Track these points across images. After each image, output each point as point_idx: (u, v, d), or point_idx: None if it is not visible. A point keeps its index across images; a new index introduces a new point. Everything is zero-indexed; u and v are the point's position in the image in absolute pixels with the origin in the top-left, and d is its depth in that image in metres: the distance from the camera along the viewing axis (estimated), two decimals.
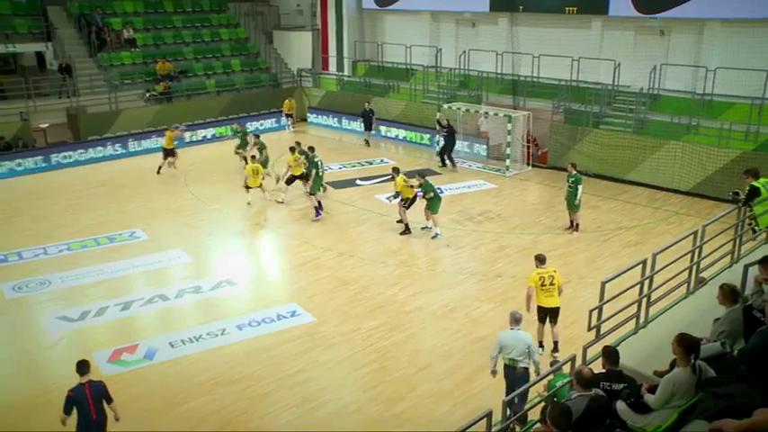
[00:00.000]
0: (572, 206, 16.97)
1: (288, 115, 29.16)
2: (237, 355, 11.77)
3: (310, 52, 32.65)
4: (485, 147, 24.39)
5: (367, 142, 26.54)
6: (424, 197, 16.90)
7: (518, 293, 13.61)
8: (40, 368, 11.72)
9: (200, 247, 16.75)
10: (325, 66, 32.47)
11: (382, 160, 24.39)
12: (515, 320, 9.53)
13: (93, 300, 13.81)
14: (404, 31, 29.65)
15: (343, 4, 31.00)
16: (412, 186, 17.08)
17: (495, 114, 23.37)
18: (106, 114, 26.10)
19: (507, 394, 8.86)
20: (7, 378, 11.45)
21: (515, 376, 9.31)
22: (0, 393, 10.96)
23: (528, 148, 23.15)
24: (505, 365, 9.48)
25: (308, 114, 30.95)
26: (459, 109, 24.34)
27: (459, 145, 24.52)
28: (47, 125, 25.59)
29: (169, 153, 22.81)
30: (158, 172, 22.64)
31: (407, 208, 17.19)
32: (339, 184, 21.44)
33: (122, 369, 11.36)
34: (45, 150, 24.20)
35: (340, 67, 31.84)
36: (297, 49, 33.04)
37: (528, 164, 23.09)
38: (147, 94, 27.78)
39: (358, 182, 21.80)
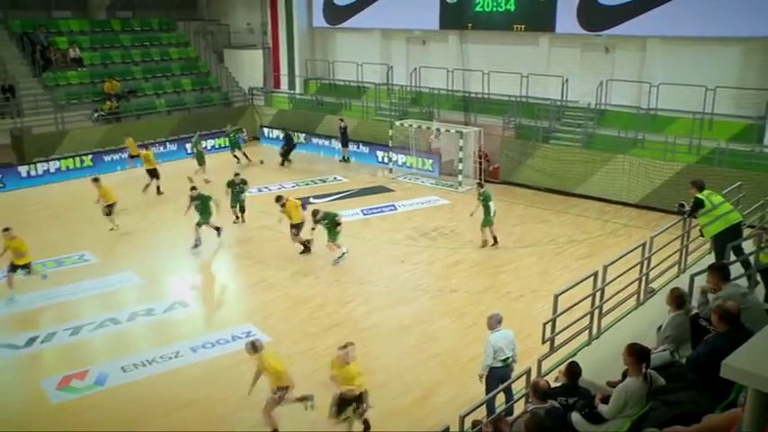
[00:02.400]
0: (489, 222, 17.16)
1: (133, 156, 24.65)
2: (193, 377, 11.55)
3: (262, 71, 32.56)
4: (437, 163, 24.61)
5: (344, 158, 26.60)
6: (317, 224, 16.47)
7: (473, 308, 13.76)
8: None
9: (152, 269, 16.43)
10: (277, 84, 32.42)
11: (335, 178, 24.39)
12: (498, 321, 9.57)
13: (41, 325, 13.41)
14: (355, 49, 29.83)
15: (294, 22, 31.05)
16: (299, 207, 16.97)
17: (447, 131, 23.63)
18: (52, 135, 25.50)
19: (487, 394, 8.87)
20: None
21: (506, 374, 9.29)
22: None
23: (480, 163, 23.45)
24: (492, 368, 9.45)
25: (260, 133, 30.77)
26: (411, 126, 24.54)
27: (412, 161, 24.78)
28: None
29: (154, 174, 22.31)
30: (158, 192, 22.46)
31: (297, 234, 16.85)
32: None
33: (72, 396, 11.04)
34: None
35: (291, 85, 31.83)
36: (248, 68, 32.90)
37: (480, 179, 23.36)
38: (95, 114, 27.26)
39: (312, 200, 21.72)
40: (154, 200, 21.98)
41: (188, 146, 25.68)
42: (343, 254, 16.36)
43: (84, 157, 25.28)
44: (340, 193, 22.36)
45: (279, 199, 17.05)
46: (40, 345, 12.72)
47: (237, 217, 19.33)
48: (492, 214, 17.04)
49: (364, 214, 20.20)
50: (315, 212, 16.33)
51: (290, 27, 31.30)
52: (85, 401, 10.91)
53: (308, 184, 23.55)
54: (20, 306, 14.32)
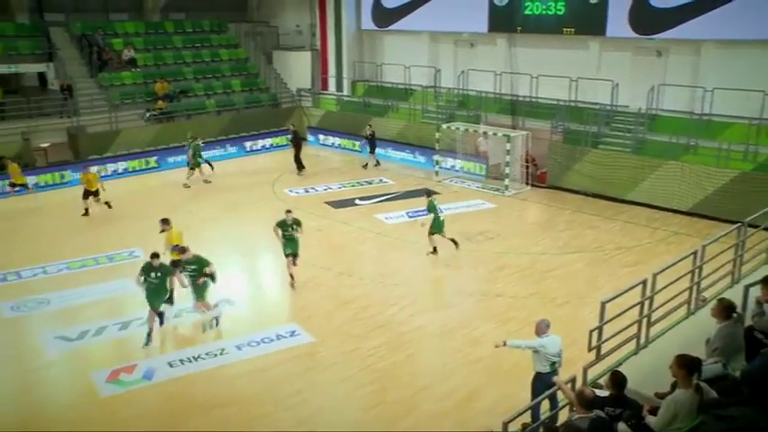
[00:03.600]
0: (438, 229, 16.93)
1: (14, 185, 22.16)
2: (236, 375, 11.70)
3: (310, 72, 32.84)
4: (484, 166, 24.45)
5: (366, 165, 26.14)
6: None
7: (518, 313, 13.63)
8: (36, 388, 11.62)
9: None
10: (325, 86, 32.66)
11: (381, 180, 24.44)
12: (546, 326, 9.44)
13: (92, 319, 13.75)
14: (403, 52, 29.86)
15: (343, 24, 31.25)
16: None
17: (494, 134, 23.46)
18: (106, 134, 26.18)
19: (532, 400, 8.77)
20: (2, 398, 11.37)
21: (550, 381, 9.17)
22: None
23: (527, 167, 23.22)
24: (539, 373, 9.33)
25: (308, 134, 31.02)
26: (457, 129, 24.44)
27: (459, 164, 24.72)
28: (48, 145, 25.64)
29: (92, 194, 20.70)
30: (86, 214, 20.61)
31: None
32: (338, 204, 21.46)
33: (121, 389, 11.29)
34: (45, 169, 24.22)
35: (339, 87, 32.03)
36: (296, 70, 33.23)
37: (527, 183, 23.14)
38: (147, 114, 27.88)
39: (357, 201, 21.82)
40: (202, 198, 22.35)
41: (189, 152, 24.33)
42: (215, 319, 13.35)
43: (148, 159, 26.00)
44: (385, 195, 22.38)
45: (165, 221, 14.84)
46: (91, 338, 13.04)
47: (293, 277, 15.29)
48: (441, 222, 16.90)
49: (409, 216, 20.18)
50: (183, 249, 13.25)
51: (339, 29, 31.52)
52: (133, 395, 11.14)
53: (353, 186, 23.65)
54: (74, 300, 14.71)
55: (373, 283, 15.56)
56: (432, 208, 16.87)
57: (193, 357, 12.22)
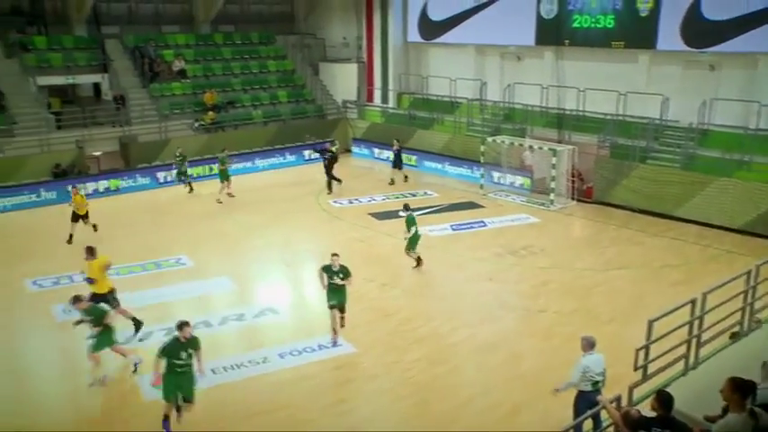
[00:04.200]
0: (413, 247, 16.82)
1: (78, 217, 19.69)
2: (279, 383, 11.79)
3: (355, 84, 33.09)
4: (529, 180, 24.25)
5: (393, 181, 25.63)
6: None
7: (561, 329, 13.44)
8: (86, 390, 11.88)
9: (244, 275, 16.94)
10: (370, 98, 32.86)
11: (426, 192, 24.42)
12: (590, 344, 9.30)
13: (144, 323, 13.99)
14: (449, 64, 29.88)
15: (389, 37, 31.45)
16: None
17: (540, 148, 23.26)
18: (156, 143, 26.80)
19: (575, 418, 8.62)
20: (53, 398, 11.68)
21: (593, 400, 9.02)
22: (44, 415, 11.16)
23: (573, 182, 22.96)
24: (582, 392, 9.19)
25: (352, 146, 31.20)
26: (503, 142, 24.31)
27: (504, 177, 24.57)
28: (100, 153, 26.34)
29: (81, 217, 19.39)
30: (69, 241, 19.01)
31: (116, 304, 13.43)
32: (382, 216, 21.51)
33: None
34: (97, 177, 24.89)
35: (385, 99, 32.19)
36: (342, 81, 33.52)
37: (572, 198, 22.86)
38: (196, 124, 28.44)
39: (401, 213, 21.79)
40: (248, 207, 22.65)
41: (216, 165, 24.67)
42: (134, 364, 12.24)
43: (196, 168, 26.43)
44: (430, 207, 22.36)
45: (90, 250, 13.54)
46: (137, 342, 13.29)
47: (335, 332, 13.19)
48: (416, 238, 16.79)
49: (453, 229, 20.13)
50: (77, 298, 11.91)
51: (385, 42, 31.73)
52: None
53: (397, 198, 23.67)
54: (123, 305, 14.98)
55: (416, 295, 15.53)
56: (411, 222, 16.73)
57: (237, 365, 12.35)
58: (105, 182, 24.70)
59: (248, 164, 27.99)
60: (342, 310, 13.23)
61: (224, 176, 23.48)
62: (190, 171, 25.05)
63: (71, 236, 19.11)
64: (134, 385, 11.77)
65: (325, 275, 13.13)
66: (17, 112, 25.45)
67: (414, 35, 31.09)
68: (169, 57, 30.19)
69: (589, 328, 12.36)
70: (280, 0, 35.90)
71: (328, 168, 24.43)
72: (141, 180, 25.44)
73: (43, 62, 27.18)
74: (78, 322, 11.90)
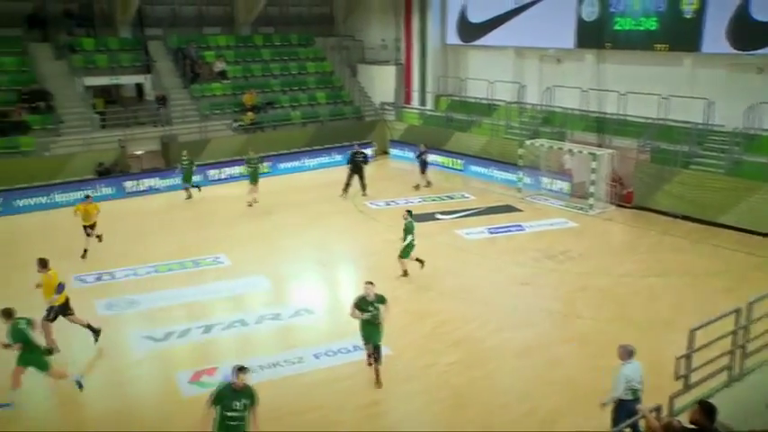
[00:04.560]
0: (407, 254, 16.51)
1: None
2: (313, 383, 11.83)
3: (393, 86, 33.10)
4: (568, 184, 23.96)
5: (418, 186, 25.24)
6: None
7: (599, 336, 13.24)
8: (125, 385, 12.10)
9: (281, 275, 17.06)
10: (408, 100, 32.84)
11: (463, 195, 24.31)
12: (629, 353, 9.12)
13: (177, 321, 14.23)
14: (487, 67, 29.72)
15: (428, 39, 31.42)
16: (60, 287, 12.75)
17: (580, 152, 22.96)
18: (196, 142, 27.15)
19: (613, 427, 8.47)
20: (94, 392, 11.88)
21: (632, 409, 8.86)
22: (85, 408, 11.39)
23: (613, 186, 22.62)
24: (621, 401, 9.01)
25: (390, 147, 31.20)
26: (542, 146, 24.07)
27: (542, 181, 24.33)
28: (142, 152, 26.80)
29: (89, 227, 18.23)
30: (84, 256, 18.10)
31: (53, 319, 12.80)
32: (419, 218, 21.43)
33: (203, 390, 11.55)
34: (138, 176, 25.32)
35: (423, 101, 32.15)
36: (380, 83, 33.55)
37: (612, 203, 22.52)
38: (235, 124, 28.75)
39: (438, 216, 21.77)
40: (286, 208, 22.81)
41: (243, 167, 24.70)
42: (77, 383, 11.54)
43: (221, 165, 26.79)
44: (466, 210, 22.25)
45: (42, 263, 12.86)
46: (175, 339, 13.49)
47: (377, 376, 11.69)
48: (410, 246, 16.45)
49: (490, 233, 20.00)
50: (7, 311, 11.05)
51: (424, 44, 31.71)
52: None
53: (434, 200, 23.63)
54: (161, 302, 15.27)
55: (452, 298, 15.46)
56: (409, 230, 16.43)
57: (272, 364, 12.44)
58: (147, 180, 25.08)
59: (287, 164, 28.27)
60: (378, 350, 11.58)
61: (253, 178, 23.32)
62: (229, 171, 25.32)
63: (86, 251, 18.07)
64: (174, 382, 11.89)
65: (357, 310, 11.60)
66: (64, 111, 26.06)
67: (452, 37, 31.00)
68: (210, 58, 30.58)
69: (627, 336, 12.17)
70: (319, 2, 36.11)
71: (361, 171, 24.42)
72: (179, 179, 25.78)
73: (90, 63, 27.77)
74: (6, 345, 10.95)
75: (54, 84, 26.65)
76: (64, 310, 12.97)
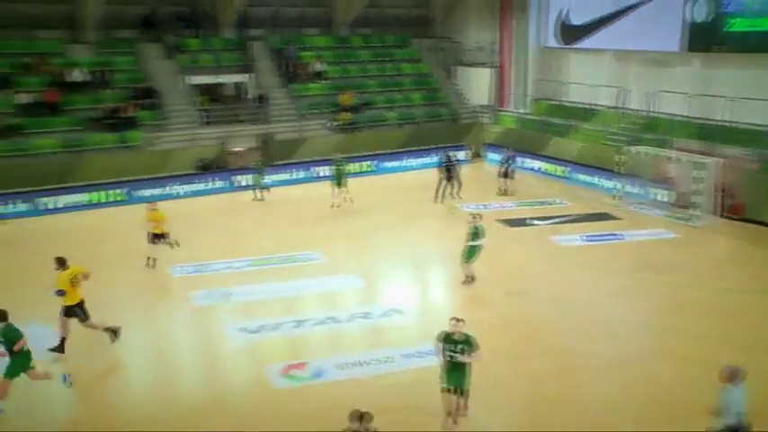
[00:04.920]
0: (471, 258, 15.79)
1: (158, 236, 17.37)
2: (401, 383, 11.81)
3: (490, 88, 32.77)
4: (670, 193, 22.96)
5: (504, 192, 24.60)
6: None
7: (701, 354, 12.57)
8: (218, 374, 12.48)
9: (374, 274, 17.18)
10: (503, 103, 32.44)
11: (558, 201, 23.76)
12: (736, 375, 8.63)
13: (271, 315, 14.53)
14: (587, 70, 28.98)
15: (525, 41, 31.01)
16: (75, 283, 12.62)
17: (684, 160, 21.96)
18: (293, 141, 27.79)
19: None
20: (187, 381, 12.35)
21: None
22: (178, 396, 11.81)
23: (720, 197, 21.50)
24: (728, 426, 8.56)
25: (486, 151, 30.80)
26: (644, 153, 23.16)
27: (643, 189, 23.42)
28: (242, 149, 27.59)
29: (161, 237, 17.25)
30: (151, 264, 17.35)
31: (70, 316, 12.74)
32: (512, 223, 21.15)
33: (292, 384, 11.82)
34: (235, 172, 26.17)
35: (520, 104, 31.68)
36: (476, 85, 33.31)
37: (719, 214, 21.42)
38: (330, 124, 29.17)
39: (531, 221, 21.35)
40: (377, 207, 22.96)
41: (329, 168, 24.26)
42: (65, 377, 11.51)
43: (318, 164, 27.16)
44: (561, 216, 21.73)
45: (60, 261, 12.71)
46: (268, 333, 13.79)
47: (454, 421, 10.12)
48: (476, 250, 15.70)
49: (586, 240, 19.42)
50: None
51: (522, 46, 31.31)
52: (302, 391, 11.60)
53: (527, 206, 23.20)
54: (255, 295, 15.69)
55: (544, 305, 15.11)
56: (479, 233, 15.74)
57: (361, 362, 12.49)
58: (245, 176, 25.77)
59: (391, 163, 28.57)
60: (463, 394, 10.15)
61: (339, 180, 22.91)
62: (319, 170, 25.82)
63: (154, 260, 17.27)
64: (264, 374, 12.15)
65: (441, 346, 10.04)
66: (170, 108, 27.26)
67: (551, 40, 30.38)
68: (309, 58, 31.20)
69: (732, 356, 11.55)
70: (417, 4, 36.20)
71: (453, 176, 24.11)
72: (278, 177, 26.40)
73: (195, 63, 28.94)
74: None
75: (162, 82, 27.91)
76: (69, 312, 12.66)
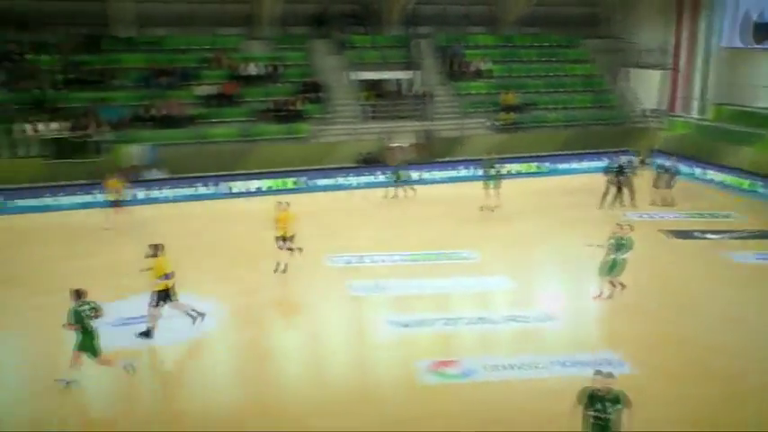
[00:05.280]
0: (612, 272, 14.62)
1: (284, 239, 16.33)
2: (549, 391, 11.44)
3: (660, 92, 31.03)
4: None
5: (669, 201, 23.02)
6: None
7: None
8: (368, 364, 12.76)
9: (527, 278, 16.89)
10: (674, 107, 30.57)
11: (730, 214, 21.99)
12: None
13: (423, 310, 14.61)
14: None
15: (704, 42, 28.94)
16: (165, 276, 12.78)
17: None
18: (454, 139, 27.87)
19: None
20: (337, 366, 12.72)
21: None
22: (328, 380, 12.16)
23: None
24: None
25: (654, 157, 29.12)
26: None
27: None
28: (404, 144, 27.85)
29: (289, 239, 16.39)
30: (282, 269, 16.52)
31: (156, 305, 12.94)
32: (675, 234, 19.89)
33: (440, 381, 11.82)
34: (398, 167, 26.44)
35: (694, 109, 29.71)
36: (646, 88, 31.68)
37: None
38: (490, 123, 28.88)
39: (706, 235, 19.88)
40: (538, 210, 22.49)
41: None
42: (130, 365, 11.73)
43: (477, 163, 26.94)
44: (736, 231, 20.10)
45: (155, 247, 12.98)
46: (419, 328, 13.87)
47: None
48: (620, 264, 14.46)
49: (758, 259, 17.83)
50: (77, 292, 11.29)
51: (701, 47, 29.38)
52: (449, 389, 11.56)
53: (693, 217, 21.68)
54: (409, 290, 15.84)
55: (714, 325, 14.05)
56: (626, 245, 14.64)
57: (509, 365, 12.25)
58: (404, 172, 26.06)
59: (561, 165, 28.00)
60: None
61: (491, 182, 22.23)
62: (477, 170, 25.64)
63: (285, 265, 16.41)
64: (412, 369, 12.24)
65: (581, 407, 8.55)
66: (334, 103, 28.27)
67: (733, 40, 28.13)
68: (473, 57, 31.09)
69: None
70: (587, 3, 34.93)
71: (622, 183, 22.94)
72: (439, 174, 26.65)
73: (361, 59, 29.79)
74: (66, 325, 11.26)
75: (329, 77, 29.01)
76: (166, 297, 12.98)
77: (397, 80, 31.01)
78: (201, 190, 24.23)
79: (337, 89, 28.88)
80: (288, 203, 16.60)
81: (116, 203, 20.38)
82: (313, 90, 28.31)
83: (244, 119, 26.92)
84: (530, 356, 12.65)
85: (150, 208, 22.55)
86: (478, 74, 30.63)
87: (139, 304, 13.43)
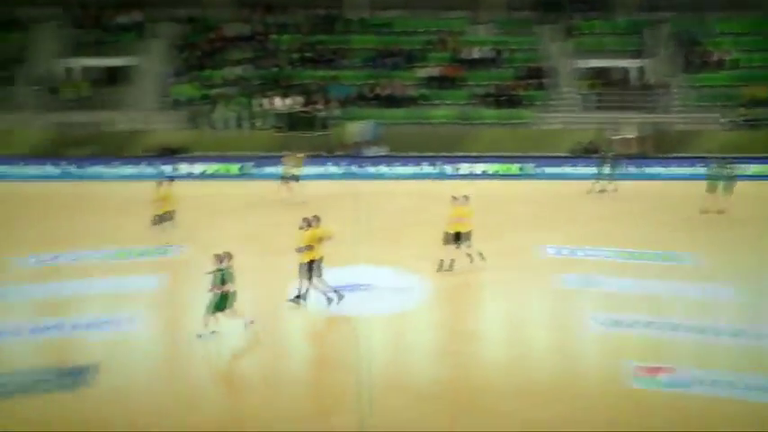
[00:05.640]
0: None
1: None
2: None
3: None
4: None
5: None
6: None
7: None
8: (571, 357, 12.39)
9: (756, 289, 15.38)
10: None
11: None
12: None
13: (637, 311, 13.87)
14: None
15: None
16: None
17: None
18: (682, 133, 26.06)
19: None
20: (539, 355, 12.55)
21: None
22: (526, 366, 11.99)
23: None
24: None
25: None
26: None
27: None
28: (622, 137, 26.51)
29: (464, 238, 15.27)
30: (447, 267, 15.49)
31: (310, 277, 13.38)
32: None
33: (653, 387, 11.11)
34: (613, 160, 24.96)
35: None
36: None
37: None
38: (727, 119, 26.48)
39: None
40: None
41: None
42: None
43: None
44: None
45: (307, 221, 13.43)
46: (630, 328, 13.17)
47: None
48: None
49: None
50: (224, 255, 12.15)
51: None
52: (662, 397, 10.88)
53: None
54: (622, 288, 15.12)
55: None
56: None
57: (731, 383, 11.18)
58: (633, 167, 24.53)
59: None
60: None
61: (722, 181, 20.23)
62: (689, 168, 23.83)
63: (450, 262, 15.33)
64: (620, 370, 11.68)
65: None
66: (556, 90, 27.61)
67: None
68: (718, 45, 28.55)
69: None
70: None
71: None
72: (664, 170, 25.19)
73: (588, 45, 28.77)
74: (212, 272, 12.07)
75: (553, 63, 28.31)
76: (310, 269, 13.34)
77: (625, 69, 29.45)
78: (424, 168, 25.01)
79: (560, 76, 28.13)
80: (467, 197, 15.19)
81: (294, 178, 21.25)
82: (536, 76, 27.84)
83: (464, 102, 27.21)
84: (755, 376, 11.48)
85: (368, 184, 23.68)
86: (720, 64, 28.04)
87: (353, 273, 14.33)
